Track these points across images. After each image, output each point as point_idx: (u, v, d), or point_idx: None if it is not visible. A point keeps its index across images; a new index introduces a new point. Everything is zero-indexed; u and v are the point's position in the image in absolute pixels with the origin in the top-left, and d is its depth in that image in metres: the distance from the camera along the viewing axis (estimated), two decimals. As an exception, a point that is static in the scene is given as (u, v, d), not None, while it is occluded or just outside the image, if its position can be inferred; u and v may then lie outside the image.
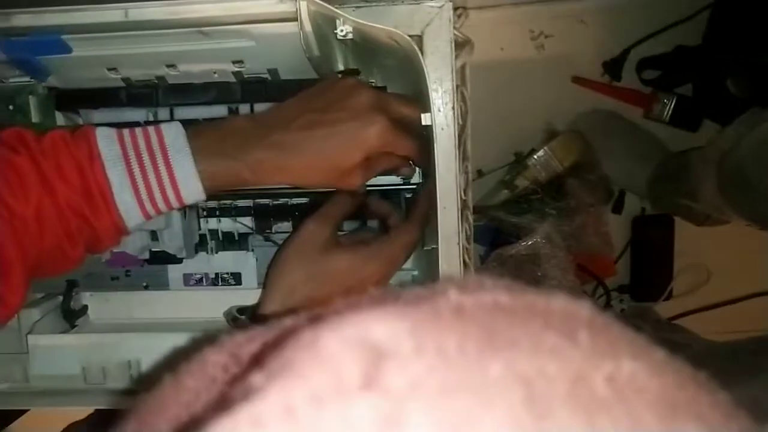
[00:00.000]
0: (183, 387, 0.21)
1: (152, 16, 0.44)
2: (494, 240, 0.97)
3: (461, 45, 0.56)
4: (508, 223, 0.92)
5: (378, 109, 0.45)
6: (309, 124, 0.44)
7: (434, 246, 0.50)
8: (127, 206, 0.42)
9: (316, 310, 0.21)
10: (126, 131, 0.43)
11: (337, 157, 0.44)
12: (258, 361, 0.18)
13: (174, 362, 0.22)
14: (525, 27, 0.93)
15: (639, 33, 0.91)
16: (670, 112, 0.92)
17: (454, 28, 0.53)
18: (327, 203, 0.51)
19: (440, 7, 0.51)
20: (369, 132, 0.44)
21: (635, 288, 1.01)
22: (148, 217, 0.43)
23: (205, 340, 0.22)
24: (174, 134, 0.42)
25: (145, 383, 0.50)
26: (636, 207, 0.99)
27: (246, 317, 0.49)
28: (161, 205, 0.43)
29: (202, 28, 0.46)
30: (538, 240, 0.88)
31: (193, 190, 0.42)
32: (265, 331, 0.22)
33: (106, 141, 0.42)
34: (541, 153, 0.91)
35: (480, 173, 0.97)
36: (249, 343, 0.21)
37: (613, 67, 0.93)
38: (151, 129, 0.43)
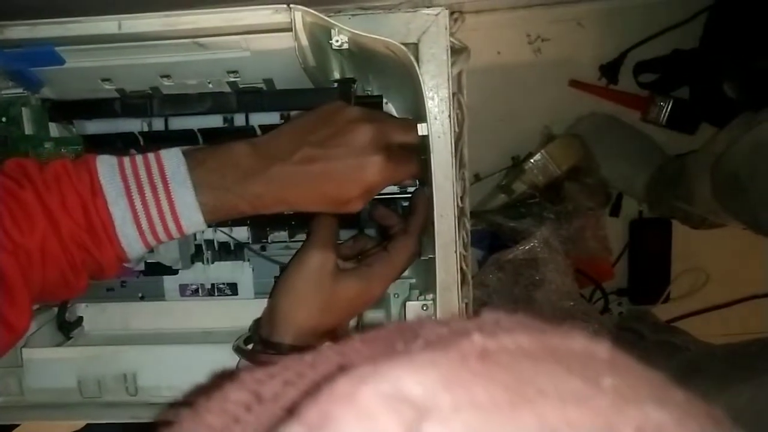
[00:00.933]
0: (204, 424, 0.20)
1: (146, 27, 0.44)
2: (492, 244, 0.97)
3: (458, 52, 0.56)
4: (506, 227, 0.92)
5: (376, 147, 0.44)
6: (307, 159, 0.44)
7: (431, 256, 0.50)
8: (130, 239, 0.42)
9: (338, 348, 0.21)
10: (126, 160, 0.43)
11: (334, 193, 0.45)
12: (292, 408, 0.17)
13: (192, 397, 0.21)
14: (522, 31, 0.93)
15: (636, 36, 0.91)
16: (666, 114, 0.92)
17: (451, 35, 0.52)
18: (317, 227, 0.50)
19: (436, 15, 0.51)
20: (366, 171, 0.44)
21: (633, 291, 1.01)
22: (149, 247, 0.44)
23: (223, 375, 0.22)
24: (175, 165, 0.42)
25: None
26: (634, 210, 0.99)
27: (255, 346, 0.49)
28: (162, 236, 0.43)
29: (197, 39, 0.45)
30: (536, 244, 0.88)
31: (194, 222, 0.43)
32: (284, 368, 0.21)
33: (108, 173, 0.42)
34: (538, 157, 0.91)
35: (477, 178, 0.97)
36: (270, 380, 0.21)
37: (610, 70, 0.93)
38: (151, 158, 0.43)
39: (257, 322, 0.51)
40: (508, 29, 0.93)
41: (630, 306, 1.02)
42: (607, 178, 0.93)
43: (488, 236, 0.97)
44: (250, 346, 0.49)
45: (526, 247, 0.89)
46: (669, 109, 0.91)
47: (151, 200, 0.42)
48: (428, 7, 0.52)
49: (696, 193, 0.77)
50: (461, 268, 0.54)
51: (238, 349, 0.49)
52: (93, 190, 0.41)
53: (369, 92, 0.56)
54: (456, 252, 0.53)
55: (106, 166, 0.42)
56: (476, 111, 0.94)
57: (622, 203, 0.99)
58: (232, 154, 0.44)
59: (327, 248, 0.49)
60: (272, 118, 0.52)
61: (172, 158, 0.43)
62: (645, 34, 0.90)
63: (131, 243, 0.42)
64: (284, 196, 0.44)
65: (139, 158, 0.43)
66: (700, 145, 0.89)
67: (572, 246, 0.89)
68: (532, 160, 0.91)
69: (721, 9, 0.84)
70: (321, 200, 0.45)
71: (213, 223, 0.45)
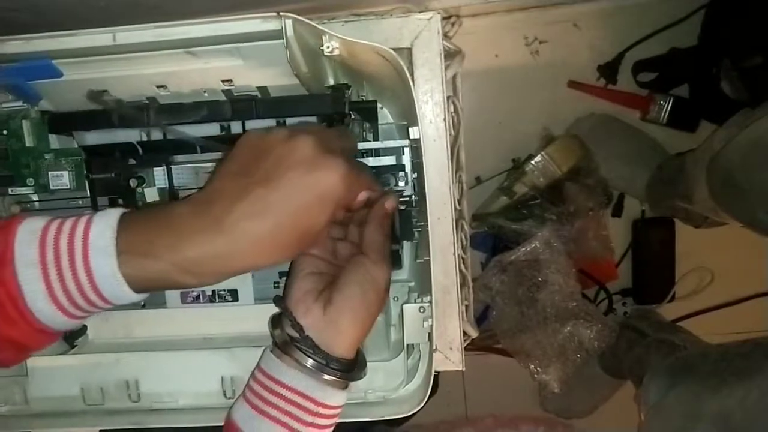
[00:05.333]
0: None
1: (140, 38, 0.44)
2: (494, 246, 0.97)
3: (452, 55, 0.57)
4: (507, 229, 0.92)
5: (327, 150, 0.39)
6: (257, 200, 0.38)
7: (426, 258, 0.50)
8: (45, 313, 0.37)
9: None
10: (54, 223, 0.38)
11: (302, 225, 0.39)
12: None
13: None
14: (519, 33, 0.94)
15: (633, 36, 0.91)
16: (667, 113, 0.92)
17: (445, 38, 0.53)
18: (375, 237, 0.46)
19: (429, 20, 0.52)
20: (330, 180, 0.39)
21: (638, 291, 1.01)
22: (77, 318, 0.38)
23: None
24: (101, 229, 0.37)
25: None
26: (636, 210, 0.99)
27: (304, 349, 0.43)
28: (87, 308, 0.38)
29: (190, 49, 0.46)
30: (538, 245, 0.89)
31: (119, 295, 0.37)
32: None
33: (25, 240, 0.37)
34: (538, 158, 0.91)
35: (478, 180, 0.97)
36: None
37: (609, 70, 0.93)
38: (81, 221, 0.38)
39: (279, 318, 0.46)
40: (505, 32, 0.93)
41: (634, 306, 1.02)
42: (607, 179, 0.93)
43: (490, 238, 0.97)
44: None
45: (528, 249, 0.89)
46: (669, 107, 0.91)
47: (67, 271, 0.36)
48: (421, 11, 0.52)
49: (695, 191, 0.76)
50: (460, 271, 0.55)
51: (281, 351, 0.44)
52: (4, 260, 0.36)
53: (363, 97, 0.56)
54: (455, 254, 0.53)
55: (26, 232, 0.37)
56: (476, 114, 0.95)
57: (625, 203, 0.98)
58: (169, 215, 0.38)
59: (388, 263, 0.46)
60: (268, 125, 0.53)
61: (102, 221, 0.37)
62: (642, 34, 0.90)
63: (50, 317, 0.37)
64: (234, 253, 0.37)
65: (68, 222, 0.38)
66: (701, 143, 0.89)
67: (574, 246, 0.89)
68: (532, 162, 0.91)
69: (717, 7, 0.84)
70: (284, 244, 0.39)
71: (153, 292, 0.40)
